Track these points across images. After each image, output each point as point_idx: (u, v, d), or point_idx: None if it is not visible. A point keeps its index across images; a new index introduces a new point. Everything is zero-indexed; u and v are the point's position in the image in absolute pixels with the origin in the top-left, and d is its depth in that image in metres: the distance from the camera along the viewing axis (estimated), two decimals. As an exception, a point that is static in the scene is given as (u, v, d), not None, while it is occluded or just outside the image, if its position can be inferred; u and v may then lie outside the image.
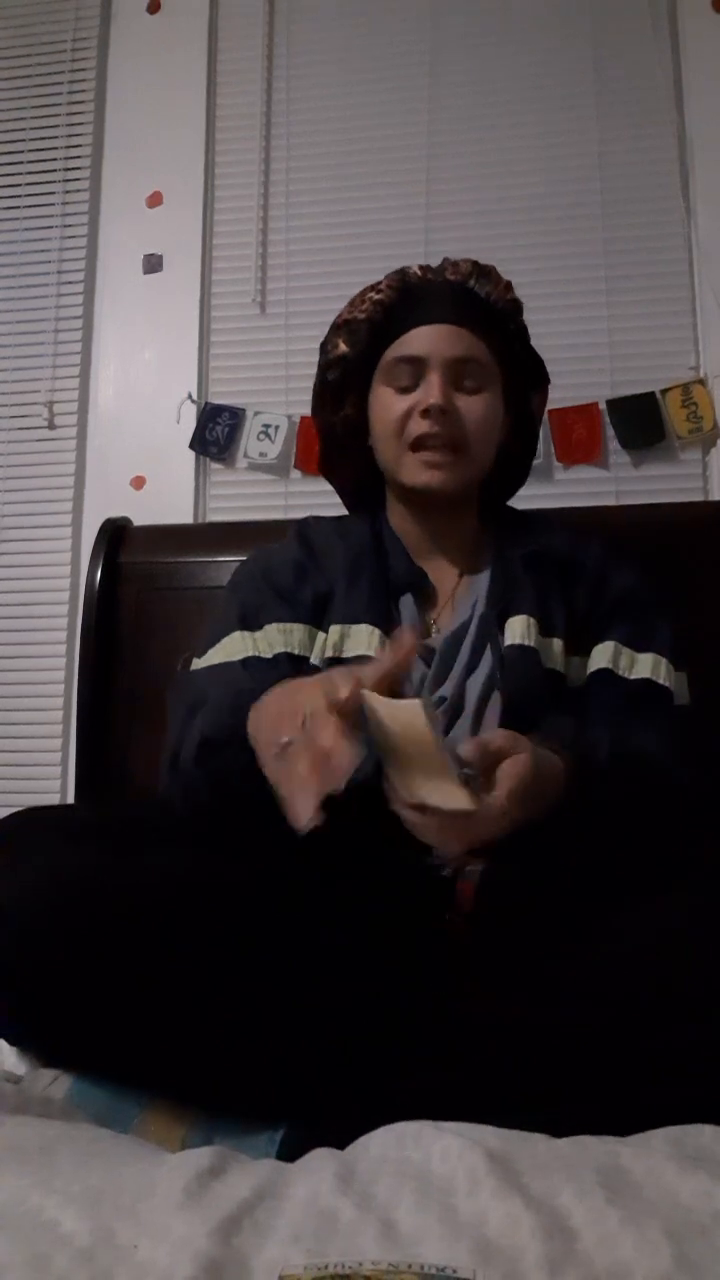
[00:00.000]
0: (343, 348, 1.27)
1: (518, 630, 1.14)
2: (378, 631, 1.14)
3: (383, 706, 0.76)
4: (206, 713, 1.02)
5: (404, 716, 0.75)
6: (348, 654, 1.13)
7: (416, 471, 1.20)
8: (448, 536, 1.27)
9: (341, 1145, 0.68)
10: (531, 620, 1.15)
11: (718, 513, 1.93)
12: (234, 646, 1.14)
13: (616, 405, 2.06)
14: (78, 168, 2.38)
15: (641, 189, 2.16)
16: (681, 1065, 0.73)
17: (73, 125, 2.39)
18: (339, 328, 1.28)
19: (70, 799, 2.01)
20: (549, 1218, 0.52)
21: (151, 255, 2.31)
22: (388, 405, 1.22)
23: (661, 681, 1.14)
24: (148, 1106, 0.79)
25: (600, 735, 1.02)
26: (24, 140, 2.40)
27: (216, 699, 1.03)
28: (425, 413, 1.17)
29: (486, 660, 1.14)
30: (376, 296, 1.26)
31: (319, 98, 2.30)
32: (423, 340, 1.20)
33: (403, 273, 1.27)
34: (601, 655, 1.16)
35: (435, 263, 1.31)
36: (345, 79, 2.30)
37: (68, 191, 2.37)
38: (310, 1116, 0.77)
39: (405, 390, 1.21)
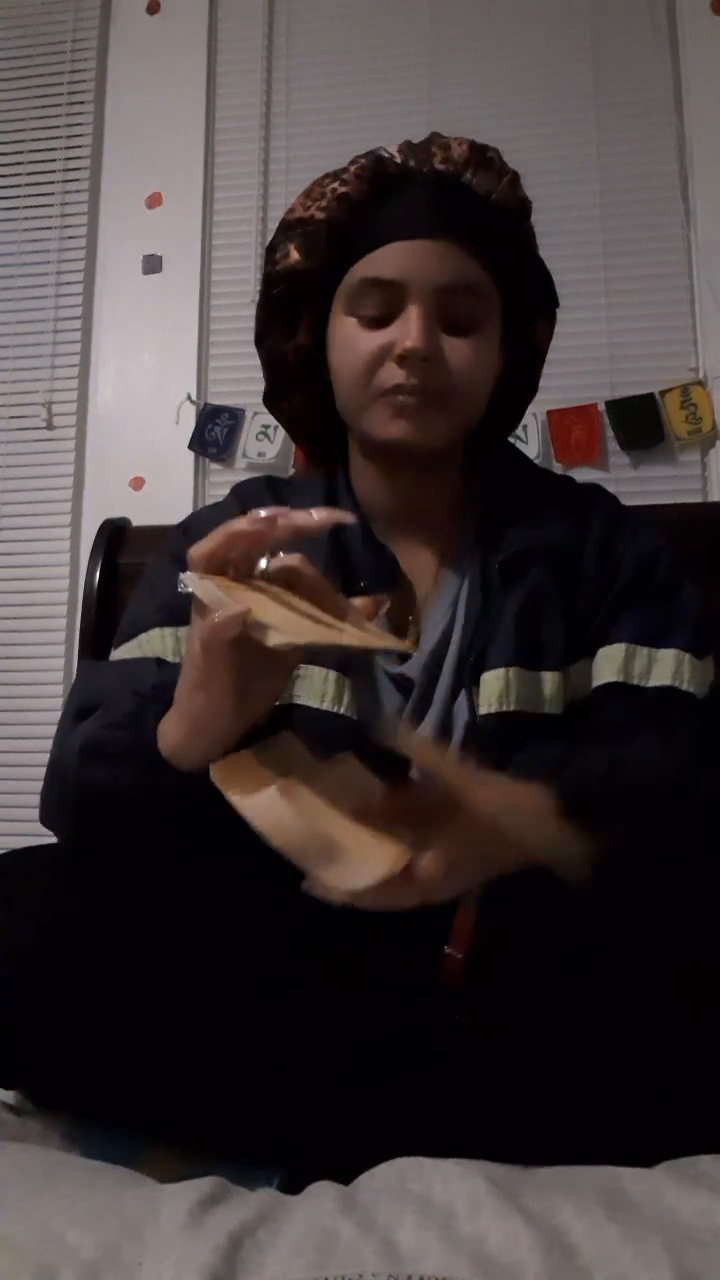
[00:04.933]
0: (295, 256, 0.99)
1: (494, 692, 0.92)
2: (333, 675, 0.92)
3: (244, 806, 0.63)
4: (99, 715, 0.86)
5: (261, 808, 0.62)
6: (300, 700, 0.92)
7: (385, 422, 0.95)
8: (424, 503, 1.03)
9: (342, 1184, 0.66)
10: (511, 671, 0.92)
11: (717, 514, 1.93)
12: (153, 645, 0.95)
13: (615, 406, 2.07)
14: (78, 168, 2.38)
15: (641, 189, 2.16)
16: (685, 1099, 0.72)
17: (73, 125, 2.39)
18: (290, 228, 1.00)
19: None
20: (548, 1234, 0.52)
21: (151, 255, 2.31)
22: (352, 342, 0.95)
23: (684, 687, 0.94)
24: (145, 1149, 0.78)
25: (593, 756, 0.85)
26: (24, 140, 2.40)
27: (114, 701, 0.85)
28: (401, 359, 0.92)
29: (465, 700, 0.94)
30: (340, 189, 0.96)
31: (319, 98, 2.30)
32: (401, 260, 0.93)
33: (376, 157, 0.97)
34: (609, 664, 0.95)
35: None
36: (345, 79, 2.30)
37: (68, 191, 2.37)
38: (309, 1158, 0.74)
39: (375, 323, 0.94)
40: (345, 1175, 0.66)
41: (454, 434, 0.99)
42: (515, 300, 1.02)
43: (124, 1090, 0.78)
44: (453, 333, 0.94)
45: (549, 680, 0.93)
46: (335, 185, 0.97)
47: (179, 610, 0.94)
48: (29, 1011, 0.75)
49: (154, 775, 0.77)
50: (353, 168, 0.97)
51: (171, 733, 0.76)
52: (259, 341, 1.07)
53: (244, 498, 1.06)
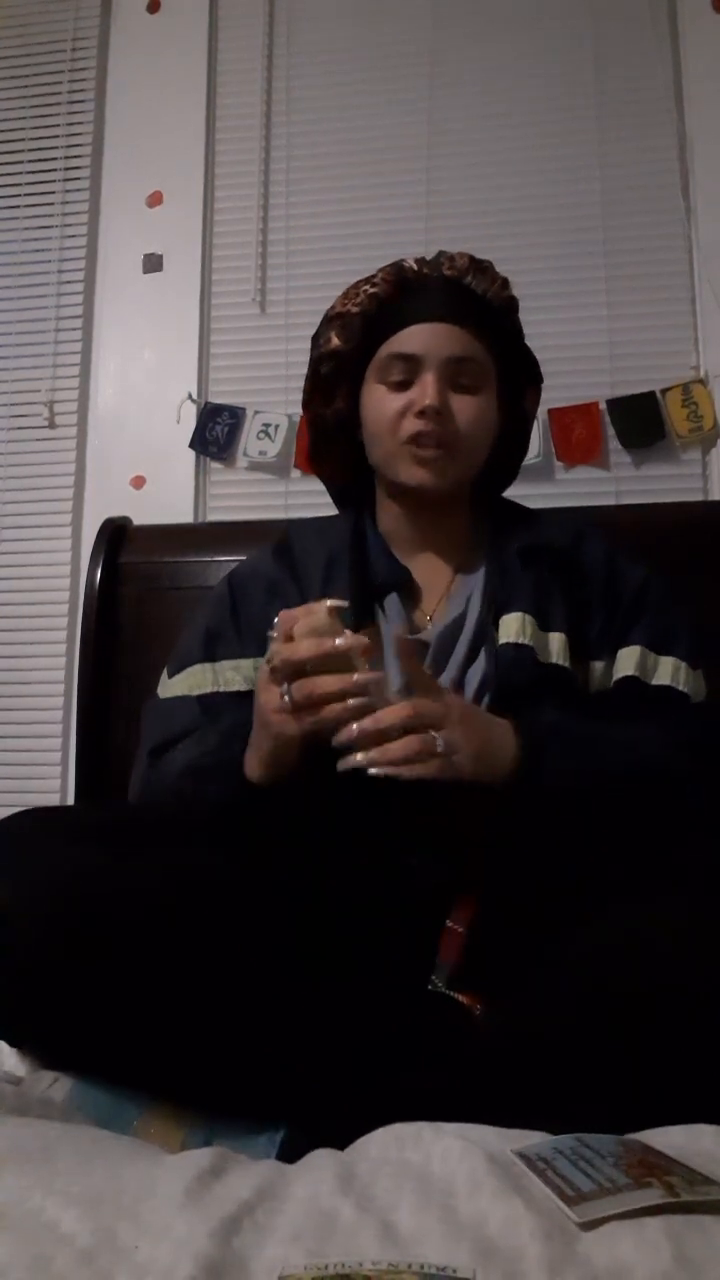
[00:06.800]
0: (335, 341, 1.25)
1: (512, 628, 1.12)
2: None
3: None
4: (191, 745, 1.11)
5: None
6: None
7: (409, 468, 1.19)
8: (438, 533, 1.26)
9: (341, 1146, 0.68)
10: (527, 617, 1.13)
11: (718, 513, 1.93)
12: (195, 680, 1.19)
13: (616, 405, 2.06)
14: (78, 168, 2.38)
15: (641, 189, 2.16)
16: (670, 1068, 0.73)
17: (73, 125, 2.40)
18: (331, 320, 1.26)
19: (70, 799, 2.01)
20: (549, 1219, 0.52)
21: (151, 255, 2.31)
22: (381, 403, 1.20)
23: (680, 688, 1.15)
24: (148, 1108, 0.79)
25: (558, 714, 1.05)
26: (24, 140, 2.40)
27: (199, 738, 1.12)
28: (420, 413, 1.16)
29: (485, 655, 1.13)
30: (371, 290, 1.23)
31: (319, 98, 2.30)
32: (418, 338, 1.19)
33: (398, 266, 1.25)
34: (628, 661, 1.16)
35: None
36: (345, 79, 2.30)
37: (68, 191, 2.37)
38: (310, 1118, 0.77)
39: (399, 387, 1.19)
40: (348, 1132, 0.68)
41: (462, 478, 1.23)
42: (508, 374, 1.26)
43: (129, 1048, 0.81)
44: (459, 393, 1.19)
45: (555, 639, 1.14)
46: (367, 287, 1.24)
47: (211, 645, 1.21)
48: (37, 969, 0.79)
49: (235, 791, 1.01)
50: (380, 274, 1.24)
51: (254, 769, 1.00)
52: (305, 407, 1.33)
53: (290, 541, 1.29)
